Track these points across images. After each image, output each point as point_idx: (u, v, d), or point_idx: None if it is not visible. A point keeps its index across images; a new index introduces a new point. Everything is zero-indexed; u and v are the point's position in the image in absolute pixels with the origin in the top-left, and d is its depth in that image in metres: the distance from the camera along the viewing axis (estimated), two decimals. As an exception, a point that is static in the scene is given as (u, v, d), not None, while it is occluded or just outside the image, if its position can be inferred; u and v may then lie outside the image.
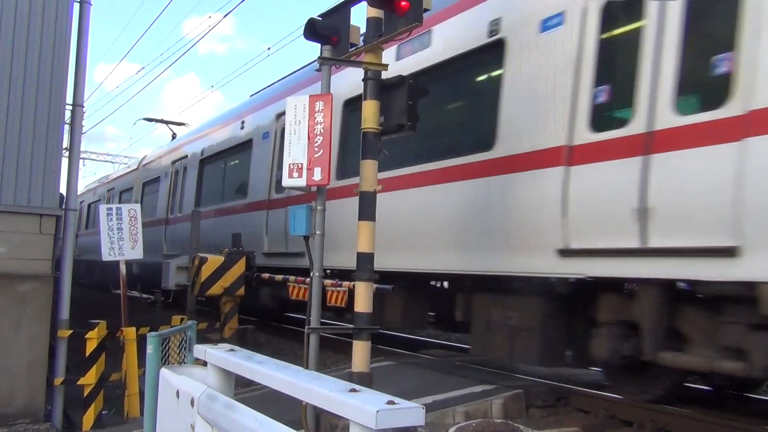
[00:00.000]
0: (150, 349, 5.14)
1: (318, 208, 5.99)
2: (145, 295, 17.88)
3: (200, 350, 4.04)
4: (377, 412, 2.27)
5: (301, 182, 5.92)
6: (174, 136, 23.17)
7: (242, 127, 13.51)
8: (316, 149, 5.87)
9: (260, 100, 13.49)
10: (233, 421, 3.26)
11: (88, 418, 7.69)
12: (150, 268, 14.42)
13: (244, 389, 6.54)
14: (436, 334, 12.42)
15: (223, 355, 3.78)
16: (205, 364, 4.08)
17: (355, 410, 2.41)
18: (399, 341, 11.36)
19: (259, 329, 11.84)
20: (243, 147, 13.28)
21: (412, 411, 2.35)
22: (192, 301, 10.46)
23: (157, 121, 26.06)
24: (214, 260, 10.19)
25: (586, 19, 6.17)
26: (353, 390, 2.59)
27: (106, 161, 41.98)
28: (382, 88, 6.03)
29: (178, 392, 4.07)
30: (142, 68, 63.14)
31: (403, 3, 5.53)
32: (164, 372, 4.58)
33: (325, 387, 2.72)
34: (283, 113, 11.88)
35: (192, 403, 3.74)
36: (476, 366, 7.95)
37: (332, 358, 9.52)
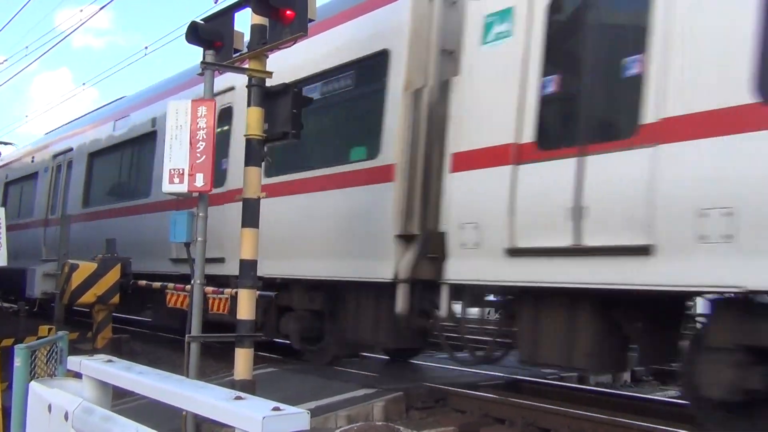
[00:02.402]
0: (18, 362, 4.86)
1: (200, 214, 5.91)
2: (6, 304, 16.76)
3: (75, 362, 3.92)
4: (263, 418, 2.32)
5: (183, 188, 5.81)
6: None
7: (32, 161, 17.79)
8: (198, 155, 5.79)
9: (45, 141, 17.92)
10: (112, 433, 3.19)
11: (-56, 438, 7.14)
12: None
13: (119, 400, 6.31)
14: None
15: (100, 367, 3.68)
16: (78, 376, 3.95)
17: (240, 418, 2.45)
18: (282, 348, 11.30)
19: (134, 338, 11.41)
20: (32, 177, 17.63)
21: (298, 416, 2.42)
22: (60, 310, 9.95)
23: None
24: (86, 267, 9.74)
25: None
26: (239, 398, 2.62)
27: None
28: (266, 95, 6.04)
29: (50, 406, 3.92)
30: (6, 59, 58.74)
31: (289, 12, 5.57)
32: (34, 386, 4.38)
33: (210, 396, 2.74)
34: (59, 153, 15.94)
35: (66, 417, 3.61)
36: (358, 371, 8.10)
37: (212, 366, 9.33)
